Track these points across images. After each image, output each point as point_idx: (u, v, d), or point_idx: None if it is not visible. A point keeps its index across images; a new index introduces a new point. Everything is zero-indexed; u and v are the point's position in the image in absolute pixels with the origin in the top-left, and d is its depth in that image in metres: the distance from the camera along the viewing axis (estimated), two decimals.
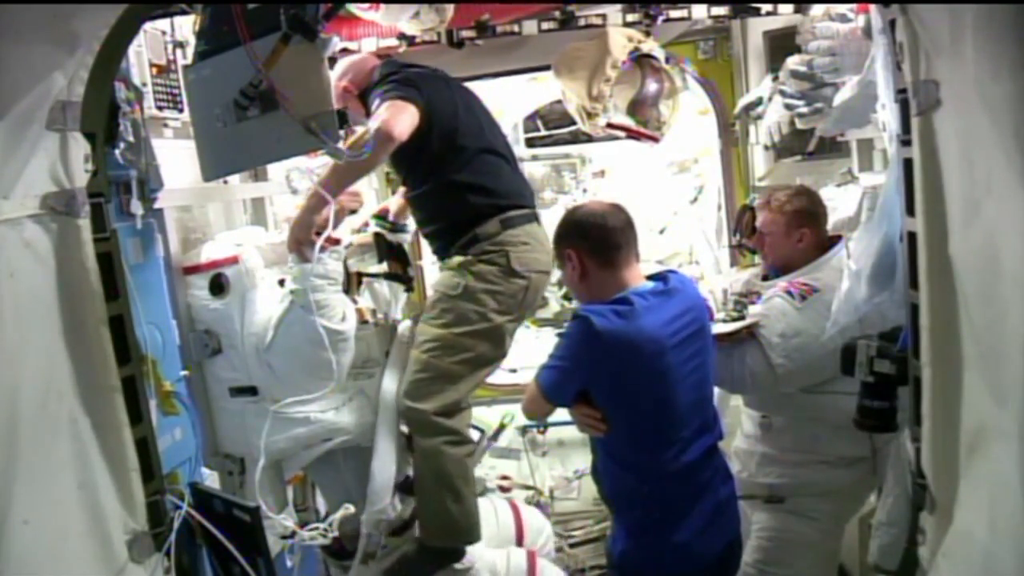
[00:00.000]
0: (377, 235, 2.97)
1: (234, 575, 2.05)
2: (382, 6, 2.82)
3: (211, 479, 2.46)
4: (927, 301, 1.64)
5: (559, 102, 3.83)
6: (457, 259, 2.67)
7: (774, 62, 3.41)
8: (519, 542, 3.05)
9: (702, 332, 2.20)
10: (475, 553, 2.75)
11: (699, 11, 3.13)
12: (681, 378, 2.11)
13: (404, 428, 2.77)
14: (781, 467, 2.71)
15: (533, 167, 5.54)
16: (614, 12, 3.18)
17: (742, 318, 2.58)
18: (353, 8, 2.81)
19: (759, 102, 3.48)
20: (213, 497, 2.14)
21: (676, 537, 2.15)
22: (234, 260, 2.59)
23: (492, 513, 3.07)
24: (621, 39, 3.30)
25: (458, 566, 2.71)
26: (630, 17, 3.20)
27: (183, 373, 2.38)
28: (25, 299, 1.59)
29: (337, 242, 2.56)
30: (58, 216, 1.67)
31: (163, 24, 2.44)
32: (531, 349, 4.58)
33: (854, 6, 2.50)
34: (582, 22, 3.14)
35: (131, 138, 2.01)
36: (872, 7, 1.94)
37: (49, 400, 1.64)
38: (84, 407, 1.71)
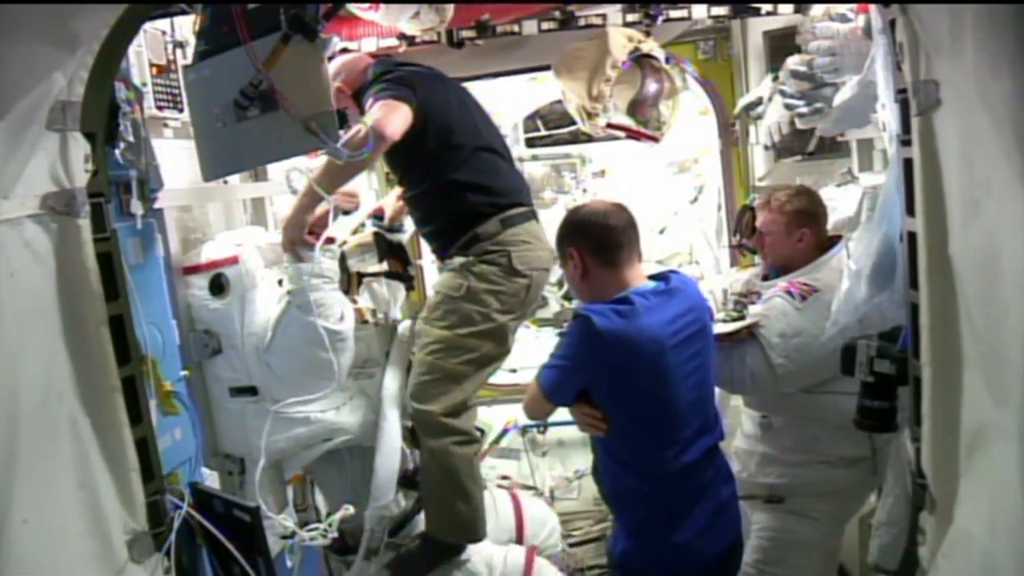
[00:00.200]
0: (377, 234, 2.97)
1: (234, 575, 2.05)
2: (382, 6, 2.82)
3: (211, 479, 2.46)
4: (927, 301, 1.64)
5: (559, 102, 3.83)
6: (459, 260, 2.67)
7: (774, 62, 3.41)
8: (519, 534, 3.04)
9: (703, 332, 2.20)
10: (473, 547, 2.75)
11: (699, 11, 3.13)
12: (682, 378, 2.11)
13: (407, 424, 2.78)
14: (781, 467, 2.71)
15: (533, 167, 5.54)
16: (614, 12, 3.18)
17: (742, 318, 2.58)
18: (353, 8, 2.81)
19: (759, 102, 3.48)
20: (213, 497, 2.14)
21: (677, 537, 2.15)
22: (234, 260, 2.59)
23: (491, 505, 3.07)
24: (621, 39, 3.30)
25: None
26: (630, 17, 3.20)
27: (183, 373, 2.38)
28: (25, 299, 1.59)
29: (331, 241, 2.56)
30: (58, 216, 1.67)
31: (163, 24, 2.44)
32: (531, 349, 4.58)
33: (854, 6, 2.50)
34: (582, 22, 3.14)
35: (131, 138, 2.01)
36: (872, 7, 1.94)
37: (49, 400, 1.64)
38: (84, 407, 1.71)
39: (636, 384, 2.08)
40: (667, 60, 3.49)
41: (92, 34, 1.66)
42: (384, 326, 3.00)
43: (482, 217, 2.66)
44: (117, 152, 1.98)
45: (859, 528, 2.91)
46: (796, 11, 3.05)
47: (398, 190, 2.97)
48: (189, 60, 2.17)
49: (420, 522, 2.81)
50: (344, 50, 3.07)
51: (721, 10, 3.15)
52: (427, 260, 4.48)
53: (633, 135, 3.56)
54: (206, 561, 2.15)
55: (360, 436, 2.78)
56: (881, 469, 2.40)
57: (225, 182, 2.81)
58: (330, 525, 2.53)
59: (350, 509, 2.58)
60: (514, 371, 4.51)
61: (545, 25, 3.11)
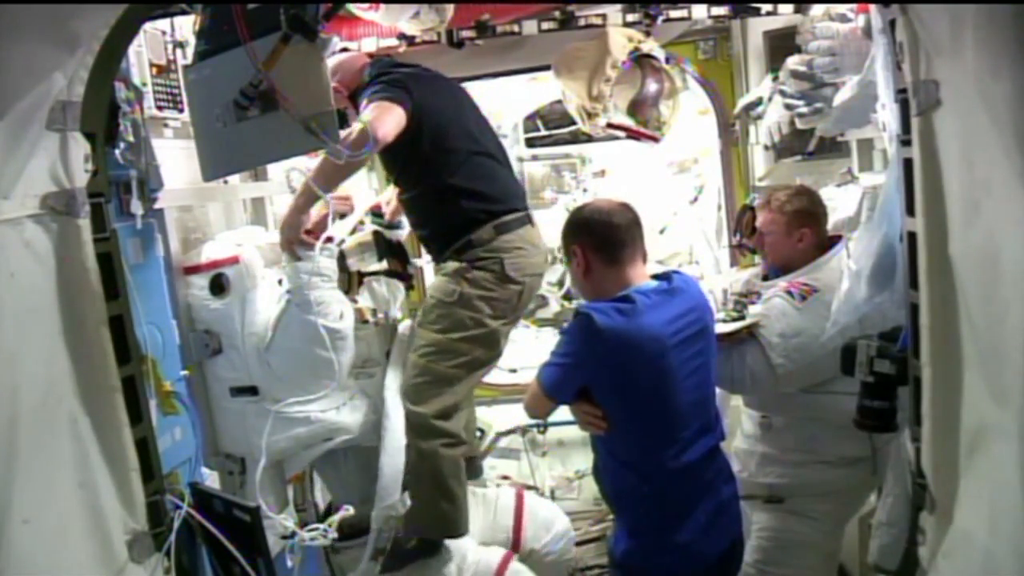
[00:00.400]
0: (376, 233, 2.97)
1: (234, 575, 2.05)
2: (382, 6, 2.81)
3: (211, 479, 2.45)
4: (927, 301, 1.64)
5: (559, 102, 3.83)
6: (452, 265, 2.68)
7: (774, 62, 3.40)
8: (516, 535, 3.02)
9: (704, 333, 2.20)
10: (452, 544, 2.75)
11: (699, 11, 3.13)
12: (682, 378, 2.11)
13: None
14: (781, 467, 2.71)
15: (533, 167, 5.55)
16: (614, 12, 3.18)
17: (742, 318, 2.58)
18: (353, 8, 2.80)
19: (759, 102, 3.48)
20: (213, 497, 2.13)
21: (678, 537, 2.15)
22: (234, 260, 2.59)
23: (492, 502, 3.06)
24: (621, 39, 3.30)
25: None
26: (630, 17, 3.20)
27: (183, 373, 2.38)
28: (25, 299, 1.59)
29: (331, 240, 2.56)
30: (58, 216, 1.67)
31: (163, 24, 2.43)
32: (531, 349, 4.59)
33: (854, 6, 2.50)
34: (582, 22, 3.14)
35: (131, 138, 2.01)
36: (872, 7, 1.93)
37: (49, 400, 1.64)
38: (84, 407, 1.71)
39: (637, 382, 2.08)
40: (667, 60, 3.48)
41: (92, 34, 1.66)
42: (384, 326, 3.00)
43: (476, 223, 2.66)
44: (117, 152, 1.98)
45: (859, 528, 2.91)
46: (796, 11, 3.05)
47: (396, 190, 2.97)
48: (189, 60, 2.17)
49: None
50: (344, 50, 3.07)
51: (721, 10, 3.15)
52: (426, 259, 4.48)
53: (633, 135, 3.56)
54: (206, 561, 2.15)
55: (360, 436, 2.78)
56: (881, 469, 2.40)
57: (225, 182, 2.81)
58: (329, 526, 2.54)
59: (350, 510, 2.59)
60: (514, 371, 4.52)
61: (545, 25, 3.11)
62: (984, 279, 1.45)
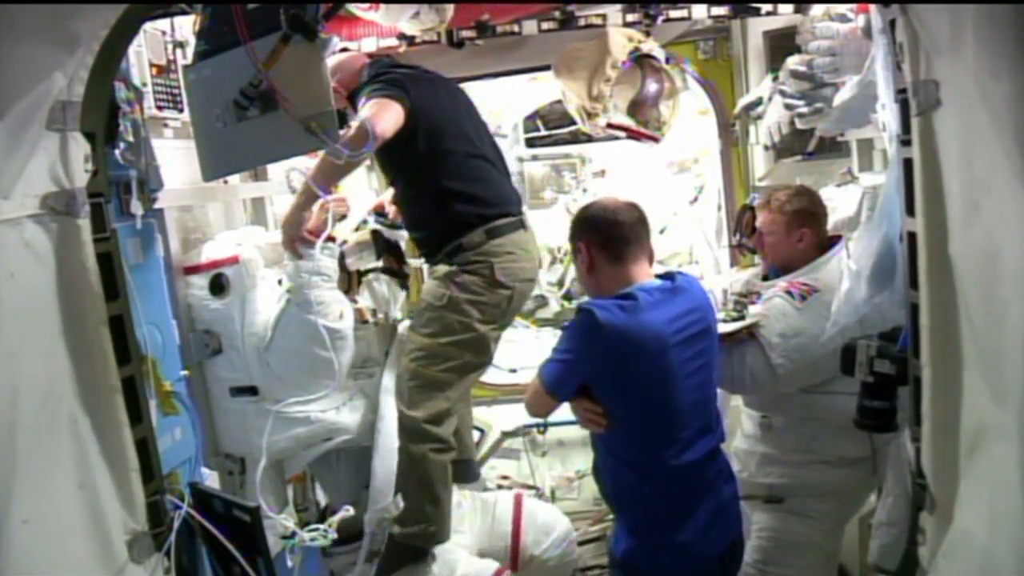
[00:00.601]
0: (374, 232, 2.97)
1: (234, 575, 2.05)
2: (382, 6, 2.81)
3: (211, 479, 2.45)
4: (927, 301, 1.64)
5: (559, 102, 3.83)
6: (443, 268, 2.68)
7: (774, 62, 3.41)
8: (515, 541, 3.01)
9: (707, 333, 2.21)
10: (440, 552, 2.73)
11: (699, 11, 3.13)
12: (683, 377, 2.11)
13: None
14: (781, 467, 2.71)
15: (533, 167, 5.55)
16: (614, 12, 3.18)
17: (742, 318, 2.58)
18: (353, 8, 2.80)
19: (759, 102, 3.48)
20: (213, 497, 2.14)
21: (678, 537, 2.15)
22: (234, 260, 2.59)
23: (491, 507, 3.05)
24: (621, 39, 3.30)
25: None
26: (630, 17, 3.20)
27: (183, 373, 2.38)
28: (25, 299, 1.59)
29: (332, 239, 2.56)
30: (58, 216, 1.66)
31: (163, 24, 2.43)
32: (531, 349, 4.60)
33: (854, 6, 2.50)
34: (582, 22, 3.14)
35: (131, 138, 2.01)
36: (872, 7, 1.93)
37: (49, 400, 1.63)
38: (84, 407, 1.71)
39: (637, 380, 2.09)
40: (667, 60, 3.48)
41: (92, 34, 1.66)
42: (384, 326, 3.00)
43: (468, 226, 2.65)
44: (117, 152, 1.98)
45: (859, 528, 2.91)
46: (796, 11, 3.05)
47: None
48: (189, 60, 2.17)
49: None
50: (344, 50, 3.07)
51: (721, 10, 3.15)
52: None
53: (633, 135, 3.56)
54: (206, 561, 2.15)
55: (359, 436, 2.78)
56: (881, 469, 2.40)
57: (225, 182, 2.81)
58: (329, 526, 2.54)
59: (350, 510, 2.58)
60: (514, 371, 4.52)
61: (545, 25, 3.11)
62: (984, 279, 1.45)
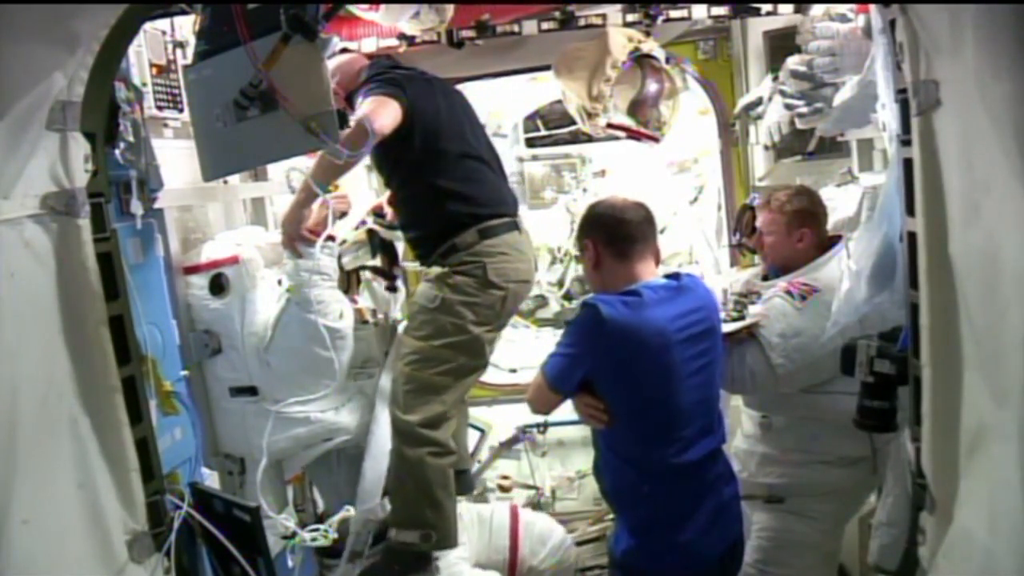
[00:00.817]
0: (370, 231, 2.97)
1: (234, 575, 2.05)
2: (382, 6, 2.81)
3: (211, 479, 2.46)
4: (927, 301, 1.64)
5: (559, 102, 3.83)
6: (435, 270, 2.68)
7: (774, 62, 3.40)
8: (513, 554, 3.01)
9: (711, 333, 2.21)
10: (443, 563, 2.71)
11: (699, 11, 3.13)
12: (686, 375, 2.12)
13: None
14: (781, 467, 2.71)
15: (533, 167, 5.55)
16: (614, 12, 3.18)
17: (742, 318, 2.57)
18: (353, 8, 2.80)
19: (759, 102, 3.48)
20: (213, 497, 2.14)
21: (678, 537, 2.15)
22: (234, 260, 2.59)
23: (487, 520, 3.05)
24: (621, 39, 3.30)
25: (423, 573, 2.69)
26: (630, 17, 3.20)
27: (183, 373, 2.38)
28: (25, 299, 1.59)
29: (332, 239, 2.56)
30: (58, 216, 1.67)
31: (163, 24, 2.44)
32: (531, 349, 4.59)
33: (854, 6, 2.50)
34: (582, 22, 3.14)
35: (131, 138, 2.01)
36: (872, 7, 1.94)
37: (49, 400, 1.64)
38: (84, 407, 1.71)
39: (639, 375, 2.09)
40: (667, 60, 3.48)
41: (92, 34, 1.66)
42: (384, 326, 3.00)
43: (461, 226, 2.65)
44: (117, 152, 1.98)
45: (859, 528, 2.91)
46: (796, 11, 3.05)
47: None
48: (189, 60, 2.17)
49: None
50: (344, 50, 3.07)
51: (721, 10, 3.15)
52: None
53: (633, 135, 3.56)
54: (206, 561, 2.15)
55: (359, 436, 2.78)
56: (881, 469, 2.40)
57: (225, 182, 2.81)
58: (329, 526, 2.54)
59: (351, 511, 2.58)
60: (514, 371, 4.51)
61: (545, 25, 3.11)
62: (984, 279, 1.45)
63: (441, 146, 2.65)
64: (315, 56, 1.86)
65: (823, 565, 2.76)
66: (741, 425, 2.92)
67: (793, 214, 2.67)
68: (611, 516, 3.56)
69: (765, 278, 2.81)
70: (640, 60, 3.38)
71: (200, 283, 2.58)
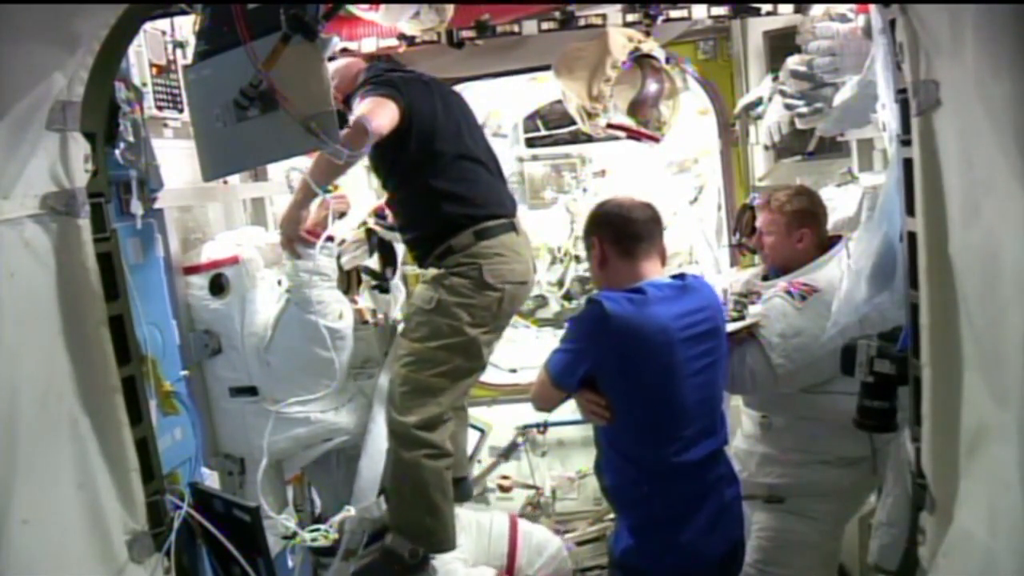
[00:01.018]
0: (369, 230, 2.97)
1: (234, 575, 2.05)
2: (382, 6, 2.81)
3: (211, 479, 2.46)
4: (927, 301, 1.64)
5: (559, 102, 3.83)
6: (432, 272, 2.68)
7: (774, 62, 3.40)
8: (511, 561, 3.02)
9: (715, 333, 2.22)
10: (438, 564, 2.72)
11: (699, 11, 3.13)
12: (688, 374, 2.12)
13: None
14: (781, 467, 2.71)
15: (533, 167, 5.55)
16: (614, 12, 3.18)
17: (742, 318, 2.57)
18: (353, 8, 2.80)
19: (759, 102, 3.48)
20: (213, 497, 2.14)
21: (678, 537, 2.15)
22: (234, 260, 2.60)
23: (487, 528, 3.05)
24: (621, 39, 3.30)
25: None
26: (630, 17, 3.20)
27: (183, 373, 2.38)
28: (25, 299, 1.59)
29: (331, 239, 2.56)
30: (58, 216, 1.67)
31: (163, 24, 2.44)
32: (531, 349, 4.59)
33: (854, 6, 2.50)
34: (582, 22, 3.13)
35: (131, 138, 2.02)
36: (872, 7, 1.94)
37: (49, 400, 1.64)
38: (84, 407, 1.71)
39: (641, 371, 2.10)
40: (667, 60, 3.48)
41: (92, 34, 1.66)
42: (384, 326, 3.00)
43: (457, 228, 2.64)
44: (117, 152, 1.98)
45: (859, 528, 2.91)
46: (796, 11, 3.05)
47: None
48: (189, 60, 2.17)
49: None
50: (344, 50, 3.07)
51: (721, 10, 3.15)
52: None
53: (633, 135, 3.55)
54: (206, 561, 2.15)
55: (358, 436, 2.78)
56: (881, 469, 2.40)
57: (225, 182, 2.81)
58: (330, 526, 2.54)
59: (351, 511, 2.58)
60: (514, 371, 4.51)
61: (545, 25, 3.10)
62: (984, 279, 1.45)
63: (437, 147, 2.65)
64: (315, 56, 1.86)
65: (823, 565, 2.76)
66: (741, 425, 2.92)
67: (793, 214, 2.67)
68: (611, 516, 3.56)
69: (765, 278, 2.81)
70: (640, 60, 3.38)
71: (200, 283, 2.58)
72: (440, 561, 2.71)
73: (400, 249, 3.11)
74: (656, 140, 3.60)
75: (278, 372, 2.60)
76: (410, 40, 3.18)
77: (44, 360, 1.64)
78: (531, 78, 4.32)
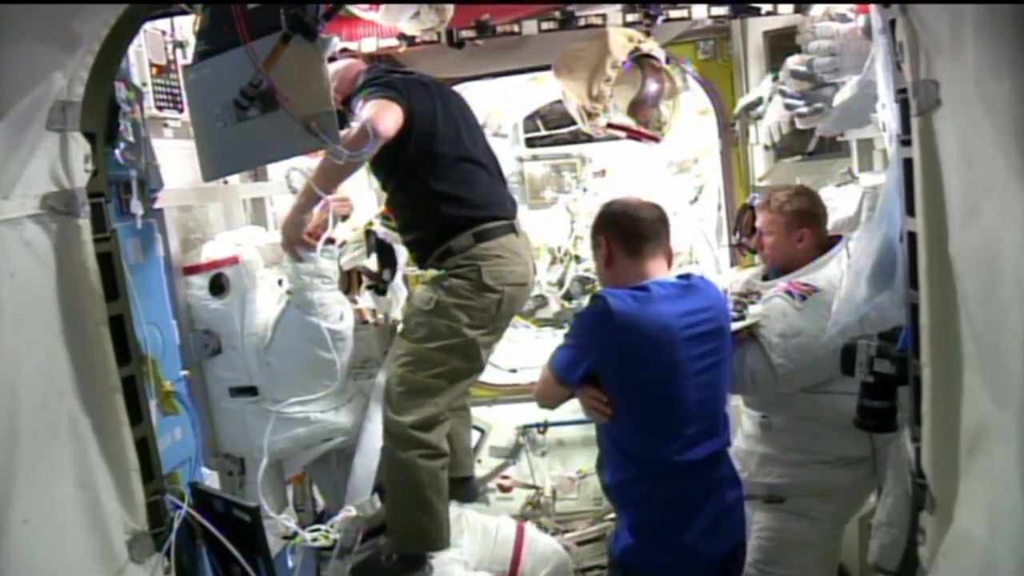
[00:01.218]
0: (368, 231, 2.97)
1: (234, 575, 2.05)
2: (382, 6, 2.82)
3: (211, 479, 2.46)
4: (927, 301, 1.64)
5: (559, 102, 3.83)
6: (431, 273, 2.67)
7: (774, 62, 3.41)
8: (514, 567, 3.00)
9: (719, 333, 2.22)
10: (437, 563, 2.71)
11: (699, 11, 3.13)
12: (691, 373, 2.12)
13: None
14: (781, 467, 2.71)
15: (533, 167, 5.56)
16: (614, 12, 3.18)
17: (742, 318, 2.57)
18: (353, 8, 2.81)
19: (759, 102, 3.48)
20: (213, 497, 2.14)
21: (678, 537, 2.16)
22: (234, 260, 2.59)
23: (493, 532, 3.04)
24: (621, 39, 3.30)
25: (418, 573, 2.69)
26: (630, 17, 3.20)
27: (183, 373, 2.38)
28: (25, 299, 1.59)
29: (332, 241, 2.56)
30: (58, 216, 1.67)
31: (163, 24, 2.44)
32: (531, 349, 4.60)
33: (854, 6, 2.50)
34: (582, 22, 3.13)
35: (131, 138, 2.01)
36: (872, 7, 1.94)
37: (49, 400, 1.64)
38: (84, 407, 1.71)
39: (644, 368, 2.11)
40: (667, 60, 3.49)
41: (92, 34, 1.66)
42: (384, 326, 3.00)
43: (456, 230, 2.64)
44: (117, 152, 1.98)
45: (859, 528, 2.91)
46: (796, 11, 3.05)
47: None
48: (189, 60, 2.17)
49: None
50: (344, 50, 3.07)
51: (721, 10, 3.15)
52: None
53: (633, 135, 3.56)
54: (206, 561, 2.15)
55: (358, 436, 2.78)
56: (881, 469, 2.40)
57: (225, 182, 2.81)
58: (331, 526, 2.54)
59: (352, 511, 2.58)
60: (514, 371, 4.52)
61: (545, 25, 3.10)
62: (984, 279, 1.44)
63: (436, 149, 2.64)
64: (315, 56, 1.86)
65: (823, 565, 2.76)
66: (741, 425, 2.92)
67: (793, 214, 2.67)
68: (611, 516, 3.56)
69: (765, 278, 2.81)
70: (640, 60, 3.38)
71: (200, 283, 2.58)
72: (438, 561, 2.71)
73: (401, 251, 3.11)
74: (656, 140, 3.61)
75: (278, 372, 2.60)
76: (410, 40, 3.18)
77: (44, 360, 1.64)
78: (531, 78, 4.33)
